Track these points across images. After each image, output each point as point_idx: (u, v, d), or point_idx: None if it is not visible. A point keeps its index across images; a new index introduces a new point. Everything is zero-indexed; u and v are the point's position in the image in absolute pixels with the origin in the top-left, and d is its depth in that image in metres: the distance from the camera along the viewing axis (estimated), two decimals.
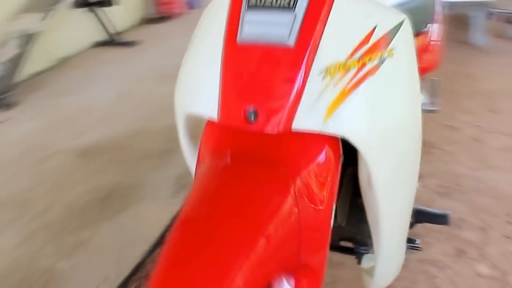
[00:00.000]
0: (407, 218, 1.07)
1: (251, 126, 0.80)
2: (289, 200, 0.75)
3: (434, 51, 1.58)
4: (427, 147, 2.31)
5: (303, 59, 0.79)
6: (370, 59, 0.81)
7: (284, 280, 0.83)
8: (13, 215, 2.16)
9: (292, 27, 0.80)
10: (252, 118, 0.80)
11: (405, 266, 1.61)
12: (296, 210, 0.75)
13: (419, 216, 1.40)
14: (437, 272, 1.60)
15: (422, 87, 1.82)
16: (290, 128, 0.78)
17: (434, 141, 2.35)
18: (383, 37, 0.83)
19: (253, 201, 0.73)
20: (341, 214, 1.14)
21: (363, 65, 0.80)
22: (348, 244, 1.31)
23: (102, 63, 4.22)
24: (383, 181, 0.87)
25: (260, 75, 0.81)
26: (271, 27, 0.81)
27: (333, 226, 1.20)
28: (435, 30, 1.63)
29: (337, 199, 1.12)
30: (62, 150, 2.72)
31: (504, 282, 1.54)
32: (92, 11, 4.61)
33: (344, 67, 0.79)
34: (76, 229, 2.01)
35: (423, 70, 1.54)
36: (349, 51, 0.80)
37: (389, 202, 0.93)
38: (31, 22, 3.73)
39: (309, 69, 0.79)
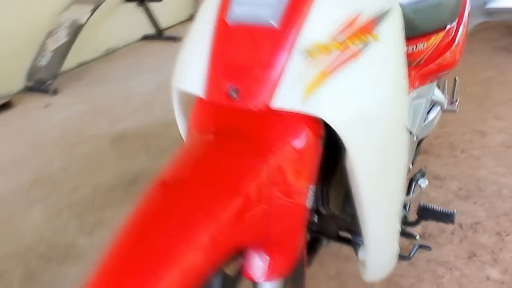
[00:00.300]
0: (395, 208, 1.07)
1: (232, 102, 0.83)
2: (261, 177, 0.77)
3: (454, 51, 1.57)
4: (453, 150, 2.27)
5: (286, 40, 0.81)
6: (353, 43, 0.83)
7: (256, 255, 0.86)
8: (44, 193, 2.27)
9: (277, 8, 0.82)
10: (234, 95, 0.83)
11: (412, 264, 1.62)
12: (265, 190, 0.78)
13: (424, 213, 1.40)
14: (445, 272, 1.58)
15: (441, 87, 1.81)
16: (270, 106, 0.81)
17: (461, 145, 2.31)
18: (368, 22, 0.84)
19: (223, 172, 0.76)
20: (335, 203, 1.15)
21: (346, 48, 0.82)
22: (347, 235, 1.31)
23: (146, 56, 4.33)
24: (363, 167, 0.88)
25: (244, 54, 0.84)
26: (258, 8, 0.84)
27: (329, 215, 1.22)
28: (457, 30, 1.61)
29: (331, 187, 1.13)
30: (97, 135, 2.82)
31: None
32: (142, 5, 4.73)
33: (327, 49, 0.81)
34: (99, 209, 2.09)
35: (440, 68, 1.53)
36: (333, 34, 0.82)
37: (371, 190, 0.93)
38: (81, 12, 3.88)
39: (292, 50, 0.81)
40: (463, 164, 2.16)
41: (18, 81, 3.62)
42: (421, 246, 1.59)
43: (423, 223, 1.78)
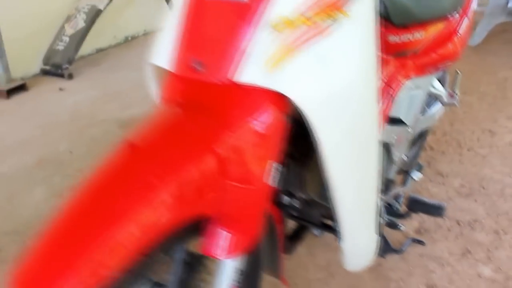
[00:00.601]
0: (368, 194, 1.04)
1: (197, 75, 0.82)
2: (220, 151, 0.77)
3: (455, 43, 1.53)
4: (460, 148, 2.23)
5: (253, 14, 0.80)
6: (322, 19, 0.81)
7: (217, 232, 0.85)
8: (47, 173, 2.30)
9: None
10: (199, 68, 0.82)
11: (404, 258, 1.59)
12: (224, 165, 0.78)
13: (414, 205, 1.37)
14: (436, 268, 1.55)
15: (443, 80, 1.77)
16: (233, 80, 0.79)
17: (468, 143, 2.26)
18: None
19: (185, 138, 0.78)
20: (313, 188, 1.13)
21: (314, 23, 0.80)
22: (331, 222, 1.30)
23: None
24: (331, 150, 0.86)
25: (212, 28, 0.83)
26: None
27: (311, 202, 1.20)
28: (460, 22, 1.57)
29: (308, 171, 1.11)
30: (107, 120, 2.84)
31: (506, 286, 1.48)
32: None
33: (293, 23, 0.79)
34: None
35: (440, 59, 1.50)
36: (301, 9, 0.80)
37: (341, 175, 0.91)
38: None
39: (258, 24, 0.79)
40: (468, 162, 2.12)
41: (34, 65, 3.66)
42: (414, 241, 1.56)
43: (421, 219, 1.76)
